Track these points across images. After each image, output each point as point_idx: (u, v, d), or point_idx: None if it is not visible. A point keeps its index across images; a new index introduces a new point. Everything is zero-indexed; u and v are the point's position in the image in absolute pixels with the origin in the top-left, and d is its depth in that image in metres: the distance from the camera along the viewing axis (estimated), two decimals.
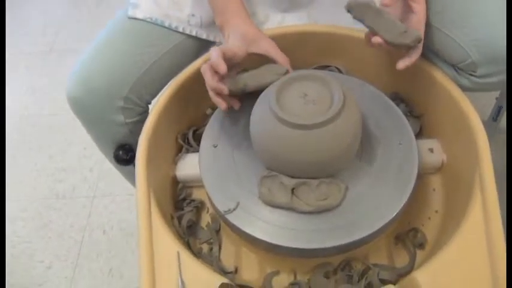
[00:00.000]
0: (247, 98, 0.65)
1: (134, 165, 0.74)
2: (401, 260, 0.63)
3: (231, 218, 0.59)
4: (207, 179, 0.63)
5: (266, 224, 0.58)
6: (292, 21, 0.77)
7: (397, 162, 0.62)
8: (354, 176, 0.61)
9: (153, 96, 0.76)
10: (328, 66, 0.78)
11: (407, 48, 0.61)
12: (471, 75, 0.63)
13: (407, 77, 0.71)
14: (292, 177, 0.59)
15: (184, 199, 0.70)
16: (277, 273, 0.62)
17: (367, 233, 0.55)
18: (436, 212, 0.67)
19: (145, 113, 0.77)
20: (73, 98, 0.71)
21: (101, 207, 1.28)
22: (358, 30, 0.73)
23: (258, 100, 0.61)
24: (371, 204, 0.58)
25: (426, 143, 0.69)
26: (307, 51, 0.77)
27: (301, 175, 0.59)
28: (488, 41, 0.60)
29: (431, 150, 0.68)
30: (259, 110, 0.59)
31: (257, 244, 0.60)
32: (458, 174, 0.65)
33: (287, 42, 0.75)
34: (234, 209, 0.59)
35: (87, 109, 0.71)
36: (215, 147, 0.66)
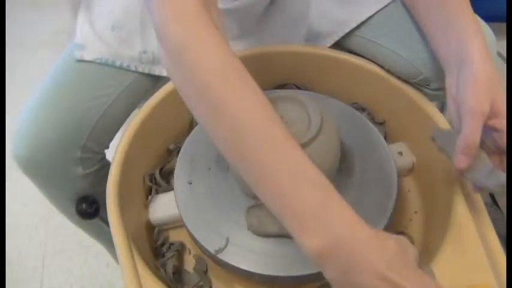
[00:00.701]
0: None
1: (100, 218, 0.68)
2: None
3: (223, 256, 0.55)
4: (189, 220, 0.59)
5: (260, 256, 0.55)
6: (242, 48, 0.76)
7: (375, 171, 0.62)
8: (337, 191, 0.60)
9: (111, 139, 0.71)
10: (286, 84, 0.78)
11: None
12: (426, 88, 0.66)
13: (366, 87, 0.73)
14: None
15: (162, 244, 0.66)
16: None
17: None
18: (416, 212, 0.68)
19: (103, 160, 0.71)
20: (22, 157, 0.64)
21: (54, 267, 1.18)
22: (310, 45, 0.75)
23: None
24: (361, 216, 0.58)
25: (394, 147, 0.71)
26: (263, 73, 0.76)
27: None
28: (436, 59, 0.60)
29: (400, 153, 0.70)
30: None
31: (252, 278, 0.57)
32: (431, 173, 0.67)
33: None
34: (225, 247, 0.56)
35: (41, 167, 0.64)
36: (190, 184, 0.63)
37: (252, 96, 0.42)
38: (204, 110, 0.42)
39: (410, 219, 0.67)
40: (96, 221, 0.69)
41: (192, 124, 0.75)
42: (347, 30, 0.72)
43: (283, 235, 0.56)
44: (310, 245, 0.38)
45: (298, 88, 0.77)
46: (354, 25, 0.70)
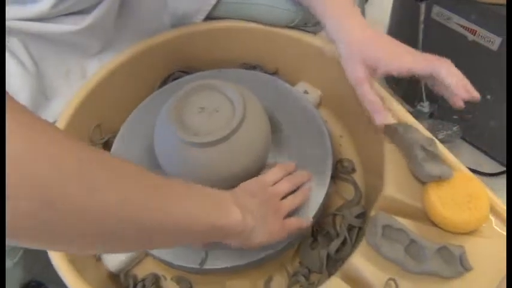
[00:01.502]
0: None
1: None
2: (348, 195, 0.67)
3: (209, 265, 0.54)
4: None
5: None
6: (110, 59, 0.70)
7: (301, 122, 0.64)
8: (277, 154, 0.62)
9: None
10: (172, 73, 0.75)
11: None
12: (306, 27, 0.69)
13: (250, 45, 0.74)
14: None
15: (135, 285, 0.61)
16: (271, 278, 0.61)
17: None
18: (341, 136, 0.73)
19: None
20: None
21: None
22: (182, 27, 0.72)
23: (158, 120, 0.56)
24: (308, 164, 0.60)
25: (298, 88, 0.73)
26: (144, 72, 0.72)
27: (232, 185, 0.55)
28: None
29: (306, 92, 0.73)
30: (161, 133, 0.55)
31: (242, 270, 0.57)
32: (338, 100, 0.71)
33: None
34: (207, 255, 0.54)
35: None
36: None
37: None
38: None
39: (340, 144, 0.72)
40: None
41: None
42: (214, 2, 0.70)
43: None
44: (235, 222, 0.44)
45: (186, 73, 0.75)
46: None
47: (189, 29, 0.72)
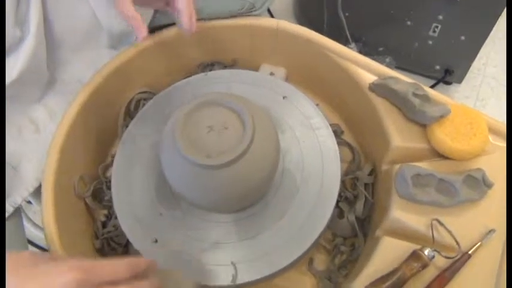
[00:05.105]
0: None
1: None
2: None
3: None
4: None
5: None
6: (55, 101, 0.65)
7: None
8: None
9: None
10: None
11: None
12: (254, 11, 0.68)
13: (203, 47, 0.71)
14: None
15: None
16: (312, 260, 0.62)
17: None
18: (317, 105, 0.73)
19: None
20: None
21: None
22: None
23: (163, 139, 0.53)
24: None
25: (263, 72, 0.73)
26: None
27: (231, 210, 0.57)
28: None
29: (271, 73, 0.73)
30: (170, 158, 0.52)
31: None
32: (306, 70, 0.72)
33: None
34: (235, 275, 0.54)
35: None
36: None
37: None
38: None
39: None
40: None
41: None
42: (150, 17, 0.66)
43: None
44: None
45: (148, 93, 0.70)
46: None
47: (134, 49, 0.67)
